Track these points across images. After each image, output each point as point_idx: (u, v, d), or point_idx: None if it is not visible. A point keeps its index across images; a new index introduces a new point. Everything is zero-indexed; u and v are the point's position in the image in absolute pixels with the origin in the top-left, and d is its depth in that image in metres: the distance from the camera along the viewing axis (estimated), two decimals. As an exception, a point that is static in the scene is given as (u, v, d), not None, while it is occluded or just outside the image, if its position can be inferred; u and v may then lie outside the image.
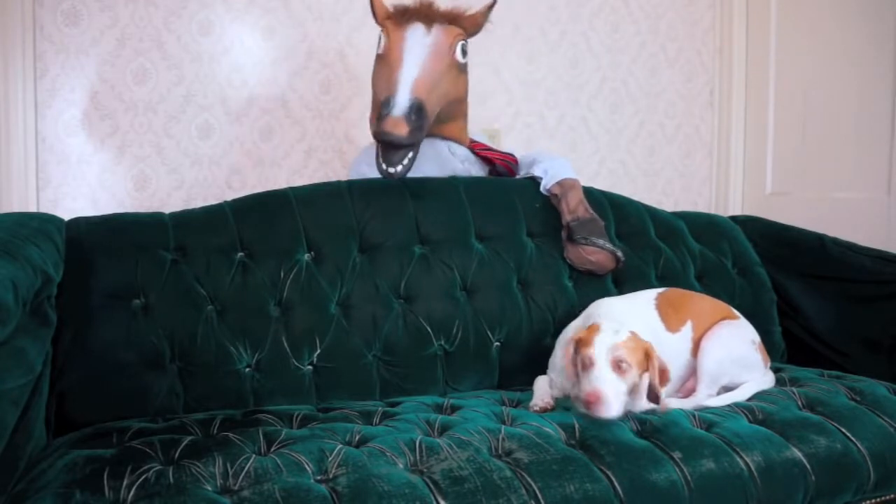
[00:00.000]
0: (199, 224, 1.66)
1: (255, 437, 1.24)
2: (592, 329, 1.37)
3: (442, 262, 1.74)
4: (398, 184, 1.80)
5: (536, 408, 1.42)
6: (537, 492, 1.12)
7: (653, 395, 1.37)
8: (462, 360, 1.69)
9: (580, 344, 1.36)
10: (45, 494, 1.04)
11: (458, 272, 1.74)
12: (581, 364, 1.35)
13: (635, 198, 2.09)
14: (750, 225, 2.14)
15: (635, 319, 1.51)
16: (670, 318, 1.56)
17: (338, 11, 2.42)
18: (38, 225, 1.44)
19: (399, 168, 1.71)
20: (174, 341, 1.51)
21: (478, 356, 1.70)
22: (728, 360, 1.54)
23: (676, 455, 1.24)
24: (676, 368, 1.54)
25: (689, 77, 2.90)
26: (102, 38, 2.20)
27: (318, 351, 1.60)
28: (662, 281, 1.88)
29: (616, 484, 1.17)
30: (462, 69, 1.84)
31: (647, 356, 1.36)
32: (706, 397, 1.50)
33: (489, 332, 1.72)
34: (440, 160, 1.91)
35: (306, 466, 1.14)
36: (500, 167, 1.99)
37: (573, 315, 1.63)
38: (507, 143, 2.60)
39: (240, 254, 1.63)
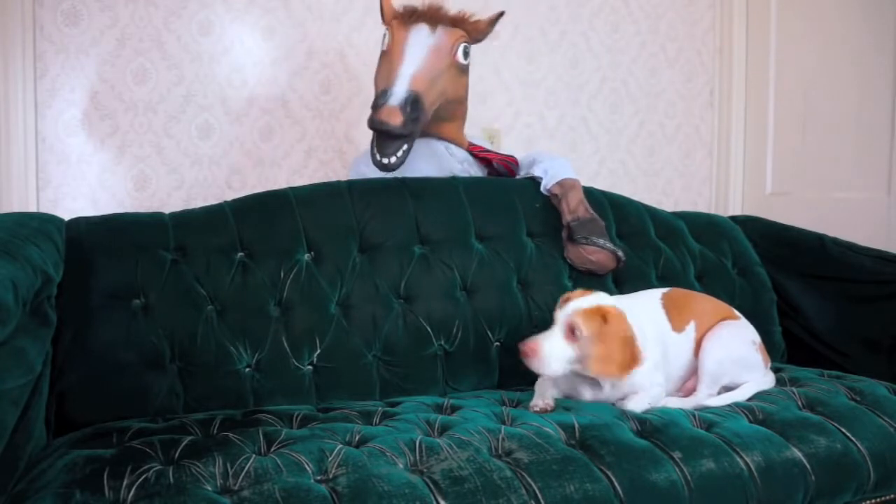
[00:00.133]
0: (199, 224, 1.66)
1: (255, 437, 1.24)
2: (579, 293, 1.41)
3: (442, 262, 1.74)
4: (398, 183, 1.80)
5: (536, 408, 1.42)
6: (537, 492, 1.12)
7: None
8: (462, 360, 1.69)
9: (561, 301, 1.41)
10: (45, 494, 1.04)
11: (458, 272, 1.74)
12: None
13: (635, 198, 2.09)
14: (750, 225, 2.14)
15: (645, 318, 1.51)
16: (675, 317, 1.57)
17: (338, 11, 2.42)
18: (38, 225, 1.44)
19: (393, 159, 1.72)
20: (174, 341, 1.51)
21: (478, 356, 1.70)
22: (728, 360, 1.54)
23: (676, 455, 1.24)
24: (678, 368, 1.54)
25: (689, 77, 2.90)
26: (102, 38, 2.20)
27: (318, 351, 1.60)
28: (662, 281, 1.88)
29: (616, 484, 1.17)
30: (463, 70, 1.87)
31: (605, 321, 1.34)
32: (706, 397, 1.50)
33: (489, 332, 1.72)
34: (438, 160, 1.91)
35: (306, 466, 1.13)
36: (500, 167, 1.99)
37: (573, 315, 1.63)
38: (507, 143, 2.60)
39: (240, 254, 1.63)
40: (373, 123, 1.69)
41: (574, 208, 1.82)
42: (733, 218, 2.20)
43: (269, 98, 2.37)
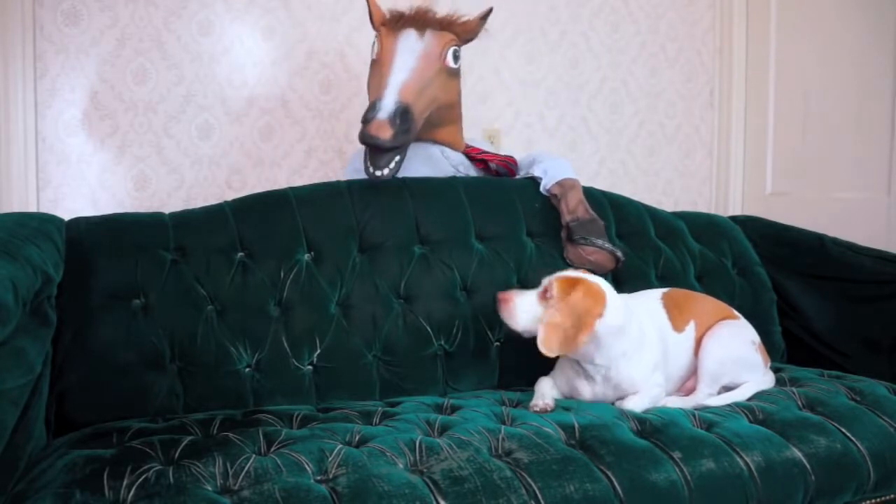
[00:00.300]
0: (199, 224, 1.66)
1: (255, 437, 1.24)
2: (585, 272, 1.48)
3: (442, 262, 1.74)
4: (398, 183, 1.80)
5: (536, 408, 1.42)
6: (537, 492, 1.12)
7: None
8: (462, 360, 1.69)
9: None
10: (45, 494, 1.04)
11: (458, 272, 1.74)
12: None
13: (635, 198, 2.09)
14: (750, 225, 2.14)
15: (647, 317, 1.52)
16: (675, 317, 1.57)
17: (338, 11, 2.42)
18: (38, 225, 1.44)
19: (386, 171, 1.71)
20: (174, 341, 1.51)
21: (478, 356, 1.70)
22: (728, 360, 1.54)
23: (676, 455, 1.24)
24: (679, 368, 1.54)
25: (689, 77, 2.90)
26: (102, 38, 2.20)
27: (318, 351, 1.60)
28: (662, 281, 1.88)
29: (616, 484, 1.17)
30: (453, 74, 1.85)
31: (576, 291, 1.37)
32: (706, 397, 1.50)
33: (489, 332, 1.72)
34: (434, 164, 1.91)
35: (306, 466, 1.14)
36: (500, 168, 1.99)
37: (573, 315, 1.63)
38: (507, 143, 2.60)
39: (240, 254, 1.63)
40: (363, 138, 1.69)
41: (573, 208, 1.82)
42: (733, 218, 2.20)
43: (269, 98, 2.37)
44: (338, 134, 2.44)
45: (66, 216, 1.63)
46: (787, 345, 1.97)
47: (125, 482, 1.07)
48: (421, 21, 1.81)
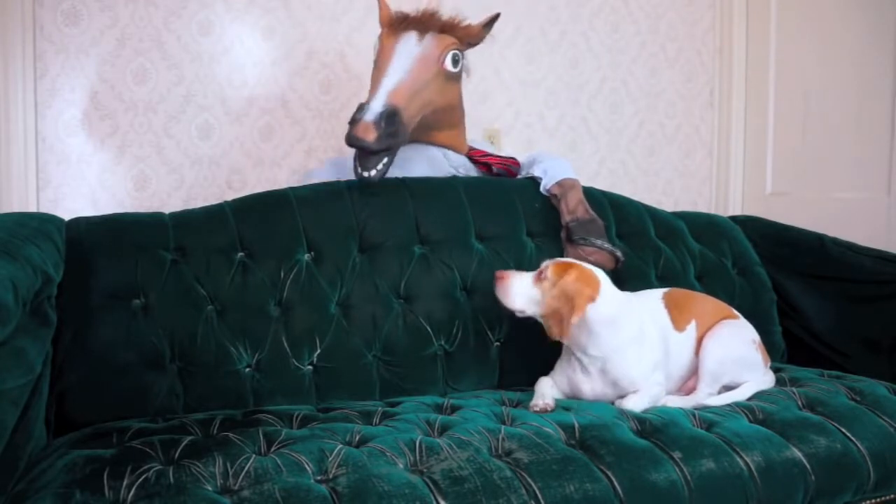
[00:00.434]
0: (199, 224, 1.66)
1: (255, 437, 1.24)
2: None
3: (442, 262, 1.74)
4: (398, 183, 1.80)
5: (536, 408, 1.42)
6: (537, 492, 1.12)
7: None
8: (462, 360, 1.69)
9: None
10: (45, 494, 1.04)
11: (458, 272, 1.74)
12: None
13: (635, 198, 2.09)
14: (750, 225, 2.14)
15: (649, 316, 1.52)
16: (676, 317, 1.57)
17: (338, 11, 2.42)
18: (38, 225, 1.44)
19: (374, 173, 1.71)
20: (174, 341, 1.51)
21: (478, 356, 1.70)
22: (729, 360, 1.54)
23: (676, 455, 1.24)
24: (679, 368, 1.55)
25: (689, 77, 2.90)
26: (102, 38, 2.20)
27: (318, 351, 1.60)
28: (662, 281, 1.88)
29: (616, 484, 1.17)
30: (451, 78, 1.84)
31: (562, 274, 1.42)
32: (706, 396, 1.50)
33: (489, 332, 1.72)
34: (435, 166, 1.91)
35: (306, 466, 1.14)
36: (501, 171, 1.99)
37: (573, 315, 1.63)
38: (507, 143, 2.60)
39: (240, 254, 1.63)
40: (348, 139, 1.69)
41: (573, 209, 1.82)
42: (733, 218, 2.20)
43: (269, 98, 2.37)
44: (338, 134, 2.43)
45: (66, 216, 1.63)
46: (787, 345, 1.97)
47: (125, 482, 1.07)
48: (424, 24, 1.81)
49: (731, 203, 2.90)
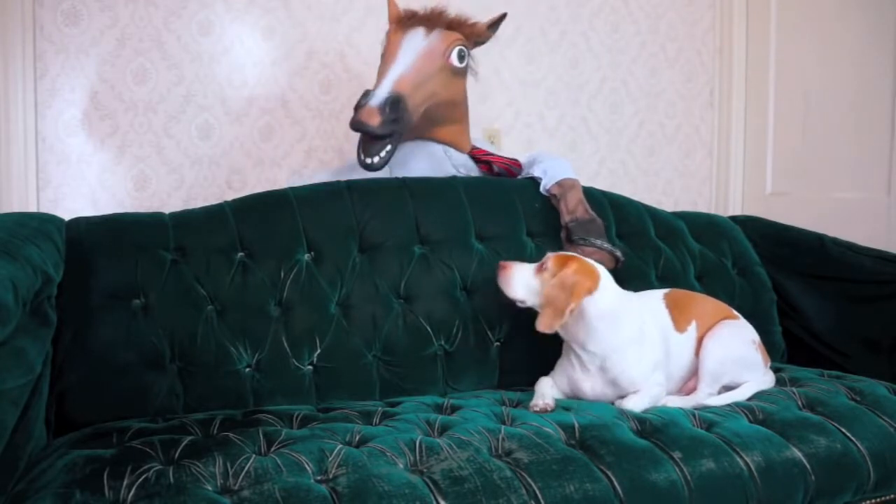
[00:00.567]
0: (199, 224, 1.66)
1: (255, 437, 1.24)
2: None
3: (442, 262, 1.74)
4: (398, 183, 1.81)
5: (536, 408, 1.42)
6: (537, 492, 1.12)
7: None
8: (462, 360, 1.69)
9: None
10: (45, 494, 1.04)
11: (458, 272, 1.74)
12: None
13: (635, 198, 2.09)
14: (750, 225, 2.14)
15: (651, 316, 1.52)
16: (677, 318, 1.57)
17: (338, 11, 2.42)
18: (38, 225, 1.44)
19: (376, 159, 1.74)
20: (174, 341, 1.51)
21: (478, 356, 1.70)
22: (729, 360, 1.54)
23: (676, 455, 1.24)
24: (680, 368, 1.55)
25: (689, 77, 2.90)
26: (102, 38, 2.20)
27: (318, 351, 1.60)
28: (662, 281, 1.88)
29: (616, 484, 1.17)
30: (457, 73, 1.87)
31: (562, 266, 1.44)
32: (706, 396, 1.50)
33: (489, 332, 1.72)
34: (435, 162, 1.91)
35: (306, 466, 1.14)
36: (502, 171, 1.99)
37: (573, 315, 1.63)
38: (507, 143, 2.60)
39: (240, 254, 1.63)
40: (352, 123, 1.72)
41: (573, 209, 1.82)
42: (733, 218, 2.20)
43: (269, 98, 2.37)
44: (338, 134, 2.43)
45: (66, 216, 1.63)
46: (787, 345, 1.97)
47: (125, 482, 1.07)
48: (431, 20, 1.85)
49: (731, 203, 2.90)
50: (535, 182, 1.92)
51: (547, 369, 1.57)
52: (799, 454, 1.29)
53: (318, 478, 1.12)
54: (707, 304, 1.65)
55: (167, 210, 1.72)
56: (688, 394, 1.54)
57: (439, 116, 1.87)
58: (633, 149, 2.83)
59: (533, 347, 1.70)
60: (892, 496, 1.37)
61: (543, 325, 1.43)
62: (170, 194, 2.28)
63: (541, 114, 2.69)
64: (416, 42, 1.82)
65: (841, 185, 2.55)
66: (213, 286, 1.57)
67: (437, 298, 1.70)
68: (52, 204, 2.18)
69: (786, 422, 1.37)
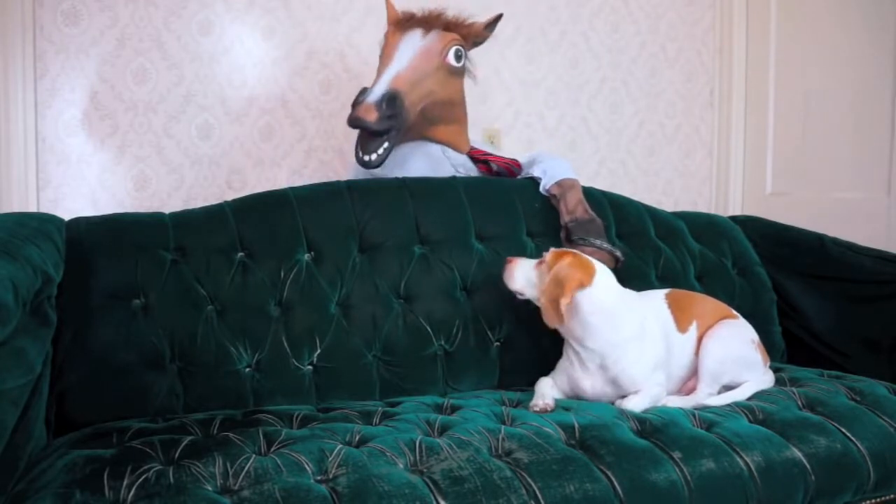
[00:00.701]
0: (199, 224, 1.66)
1: (255, 437, 1.24)
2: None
3: (442, 262, 1.74)
4: (398, 183, 1.81)
5: (536, 408, 1.42)
6: (537, 492, 1.12)
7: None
8: (462, 360, 1.69)
9: None
10: (45, 494, 1.04)
11: (458, 272, 1.74)
12: None
13: (635, 198, 2.08)
14: (750, 225, 2.14)
15: (653, 316, 1.52)
16: (679, 318, 1.57)
17: (338, 11, 2.42)
18: (38, 225, 1.44)
19: (374, 156, 1.75)
20: (174, 341, 1.51)
21: (478, 356, 1.70)
22: (729, 359, 1.54)
23: (676, 455, 1.24)
24: (681, 368, 1.55)
25: (689, 77, 2.90)
26: (102, 38, 2.20)
27: (318, 351, 1.60)
28: (662, 281, 1.88)
29: (616, 484, 1.17)
30: (454, 73, 1.88)
31: (558, 260, 1.46)
32: (706, 396, 1.50)
33: (489, 332, 1.72)
34: (434, 162, 1.92)
35: (306, 466, 1.14)
36: (502, 170, 1.99)
37: (573, 315, 1.63)
38: (507, 143, 2.60)
39: (240, 254, 1.63)
40: (349, 120, 1.74)
41: (573, 209, 1.83)
42: (733, 218, 2.20)
43: (269, 98, 2.37)
44: (338, 134, 2.43)
45: (66, 216, 1.63)
46: (787, 345, 1.97)
47: (125, 482, 1.07)
48: (429, 22, 1.87)
49: (731, 203, 2.90)
50: (534, 182, 1.92)
51: (547, 369, 1.57)
52: (799, 454, 1.29)
53: (318, 478, 1.12)
54: (706, 303, 1.65)
55: (167, 210, 1.72)
56: (687, 394, 1.54)
57: (437, 116, 1.87)
58: (633, 149, 2.83)
59: (533, 347, 1.70)
60: (892, 496, 1.37)
61: (546, 318, 1.45)
62: (170, 194, 2.28)
63: (541, 114, 2.69)
64: (414, 42, 1.84)
65: (841, 185, 2.55)
66: (213, 286, 1.57)
67: (437, 298, 1.70)
68: (52, 204, 2.18)
69: (786, 422, 1.37)
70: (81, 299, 1.47)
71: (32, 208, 2.15)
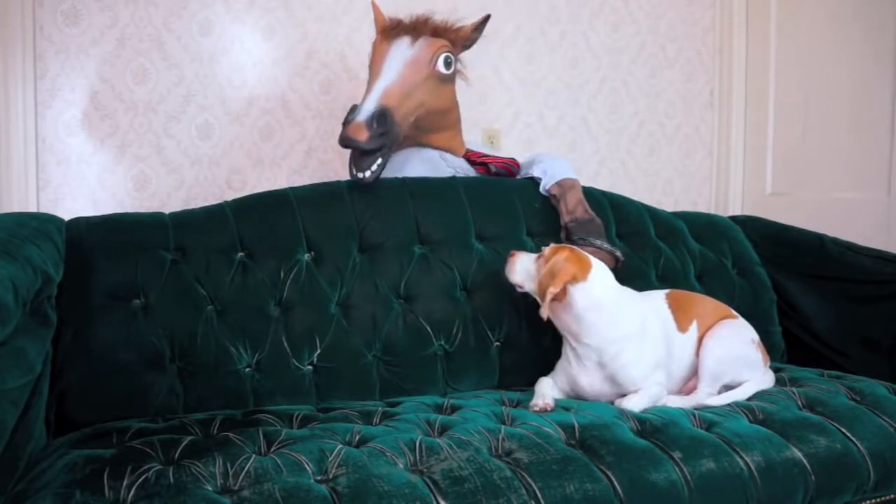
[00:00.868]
0: (199, 224, 1.66)
1: (255, 437, 1.24)
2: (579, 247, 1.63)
3: (442, 262, 1.74)
4: (398, 183, 1.81)
5: (536, 408, 1.42)
6: (537, 492, 1.12)
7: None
8: (462, 360, 1.69)
9: None
10: (45, 494, 1.04)
11: (458, 272, 1.74)
12: None
13: (635, 198, 2.09)
14: (750, 225, 2.14)
15: (654, 315, 1.52)
16: (679, 318, 1.57)
17: (338, 11, 2.42)
18: (38, 225, 1.44)
19: (368, 174, 1.72)
20: (174, 341, 1.51)
21: (478, 356, 1.70)
22: (729, 359, 1.54)
23: (676, 455, 1.24)
24: (681, 368, 1.55)
25: (689, 77, 2.90)
26: (102, 38, 2.20)
27: (318, 351, 1.60)
28: (662, 281, 1.88)
29: (616, 484, 1.17)
30: (444, 80, 1.85)
31: (555, 254, 1.49)
32: (707, 396, 1.50)
33: (489, 332, 1.72)
34: (433, 167, 1.91)
35: (306, 466, 1.14)
36: (501, 170, 1.99)
37: (573, 315, 1.63)
38: (507, 143, 2.60)
39: (240, 254, 1.63)
40: (341, 140, 1.71)
41: (572, 209, 1.83)
42: (733, 218, 2.20)
43: (269, 98, 2.37)
44: (337, 134, 2.42)
45: (66, 216, 1.63)
46: (787, 345, 1.97)
47: (125, 482, 1.07)
48: (416, 28, 1.83)
49: (731, 203, 2.90)
50: (534, 182, 1.92)
51: (547, 369, 1.57)
52: (799, 454, 1.29)
53: (318, 478, 1.12)
54: (706, 303, 1.65)
55: (167, 210, 1.72)
56: (688, 393, 1.54)
57: (430, 125, 1.86)
58: (633, 149, 2.83)
59: (533, 347, 1.70)
60: (892, 496, 1.37)
61: (541, 310, 1.46)
62: (170, 194, 2.28)
63: (541, 114, 2.69)
64: (402, 52, 1.80)
65: (841, 185, 2.55)
66: (213, 286, 1.57)
67: (437, 298, 1.70)
68: (52, 204, 2.18)
69: (786, 422, 1.37)
70: (81, 299, 1.47)
71: (32, 208, 2.15)
